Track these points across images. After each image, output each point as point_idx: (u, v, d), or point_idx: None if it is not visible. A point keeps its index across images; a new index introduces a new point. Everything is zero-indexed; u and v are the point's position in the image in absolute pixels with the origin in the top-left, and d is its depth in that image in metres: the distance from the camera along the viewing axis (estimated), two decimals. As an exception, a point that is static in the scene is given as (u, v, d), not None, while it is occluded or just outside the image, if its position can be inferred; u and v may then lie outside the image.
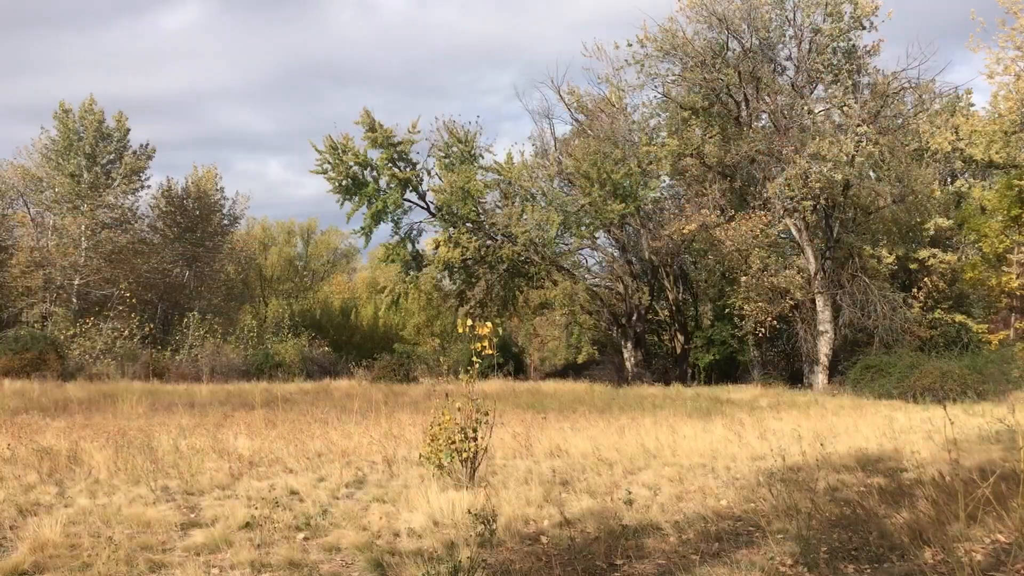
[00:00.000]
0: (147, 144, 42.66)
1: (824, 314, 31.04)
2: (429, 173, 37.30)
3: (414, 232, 37.76)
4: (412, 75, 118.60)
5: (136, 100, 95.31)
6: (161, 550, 6.33)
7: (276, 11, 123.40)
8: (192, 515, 7.67)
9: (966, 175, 35.72)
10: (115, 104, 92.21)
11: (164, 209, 43.29)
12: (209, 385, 26.96)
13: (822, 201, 30.84)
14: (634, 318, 36.82)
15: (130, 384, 25.88)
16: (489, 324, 9.34)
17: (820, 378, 30.64)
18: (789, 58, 32.47)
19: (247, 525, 7.11)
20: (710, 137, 32.94)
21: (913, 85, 31.36)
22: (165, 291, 42.16)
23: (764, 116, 32.95)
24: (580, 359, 44.88)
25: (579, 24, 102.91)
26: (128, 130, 41.61)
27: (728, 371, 36.94)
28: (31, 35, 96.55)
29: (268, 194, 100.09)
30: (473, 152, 37.14)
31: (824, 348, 30.93)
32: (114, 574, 5.61)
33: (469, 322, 9.37)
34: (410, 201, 36.99)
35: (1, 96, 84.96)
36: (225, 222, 46.82)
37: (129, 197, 41.35)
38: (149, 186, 43.06)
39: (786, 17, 31.57)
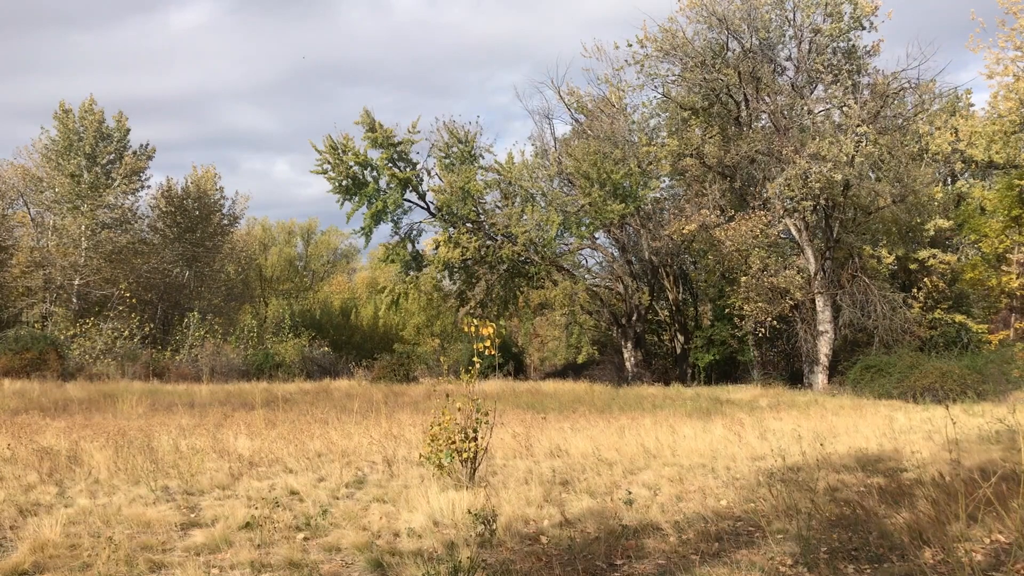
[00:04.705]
0: (147, 144, 42.69)
1: (824, 314, 31.05)
2: (429, 173, 37.27)
3: (414, 232, 37.72)
4: (421, 74, 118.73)
5: (142, 100, 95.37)
6: (161, 550, 6.33)
7: (285, 10, 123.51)
8: (192, 515, 7.67)
9: (966, 175, 35.74)
10: (122, 104, 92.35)
11: (164, 209, 43.30)
12: (209, 385, 26.95)
13: (822, 201, 30.85)
14: (634, 318, 36.83)
15: (130, 384, 25.89)
16: (492, 325, 9.35)
17: (820, 378, 30.66)
18: (789, 58, 32.51)
19: (247, 525, 7.11)
20: (710, 137, 32.98)
21: (913, 85, 31.39)
22: (165, 291, 42.18)
23: (764, 116, 32.98)
24: (580, 359, 44.91)
25: (588, 23, 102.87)
26: (128, 130, 41.61)
27: (728, 371, 36.94)
28: (38, 34, 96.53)
29: (275, 193, 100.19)
30: (473, 152, 37.11)
31: (824, 348, 30.94)
32: (114, 574, 5.61)
33: (474, 322, 9.38)
34: (410, 201, 36.97)
35: (5, 95, 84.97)
36: (225, 222, 46.82)
37: (129, 197, 41.35)
38: (149, 186, 43.08)
39: (786, 17, 31.61)
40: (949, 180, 36.11)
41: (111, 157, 40.50)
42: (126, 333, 33.60)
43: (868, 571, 5.52)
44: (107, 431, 12.75)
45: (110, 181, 39.89)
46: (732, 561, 5.76)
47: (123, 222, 40.82)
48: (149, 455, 10.86)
